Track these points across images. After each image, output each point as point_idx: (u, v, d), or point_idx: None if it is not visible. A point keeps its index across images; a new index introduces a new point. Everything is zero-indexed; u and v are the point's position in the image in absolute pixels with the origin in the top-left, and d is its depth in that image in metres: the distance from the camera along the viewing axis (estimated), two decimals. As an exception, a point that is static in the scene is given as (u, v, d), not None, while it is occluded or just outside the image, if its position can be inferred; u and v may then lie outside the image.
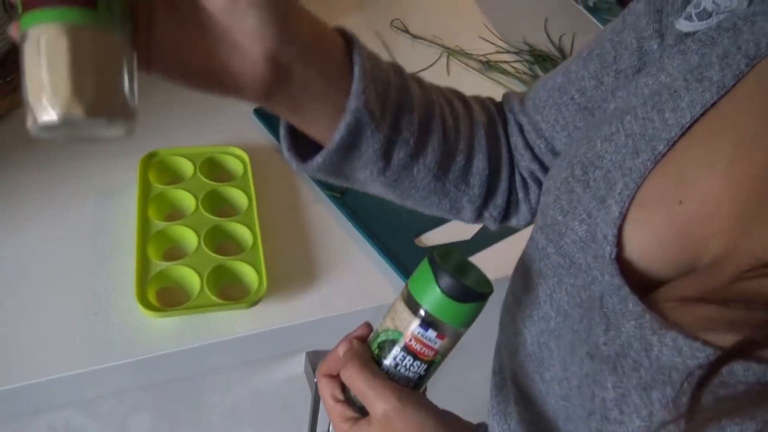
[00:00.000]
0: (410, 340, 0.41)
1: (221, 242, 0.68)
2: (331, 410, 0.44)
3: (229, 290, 0.65)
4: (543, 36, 1.13)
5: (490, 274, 0.72)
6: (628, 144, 0.38)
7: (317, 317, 0.65)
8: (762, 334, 0.30)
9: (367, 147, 0.44)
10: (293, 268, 0.69)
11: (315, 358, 0.75)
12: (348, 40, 0.43)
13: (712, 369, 0.30)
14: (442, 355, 0.42)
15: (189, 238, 0.67)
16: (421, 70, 0.99)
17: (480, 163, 0.51)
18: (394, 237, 0.73)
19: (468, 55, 1.05)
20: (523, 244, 0.78)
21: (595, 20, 1.20)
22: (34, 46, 0.31)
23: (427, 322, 0.41)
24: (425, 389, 0.46)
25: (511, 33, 1.11)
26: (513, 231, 0.77)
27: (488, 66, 1.03)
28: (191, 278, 0.64)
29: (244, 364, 0.72)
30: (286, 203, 0.76)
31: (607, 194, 0.38)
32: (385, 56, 0.98)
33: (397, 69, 0.47)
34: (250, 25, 0.35)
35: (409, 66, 1.05)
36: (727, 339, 0.30)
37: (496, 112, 0.54)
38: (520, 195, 0.55)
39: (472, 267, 0.44)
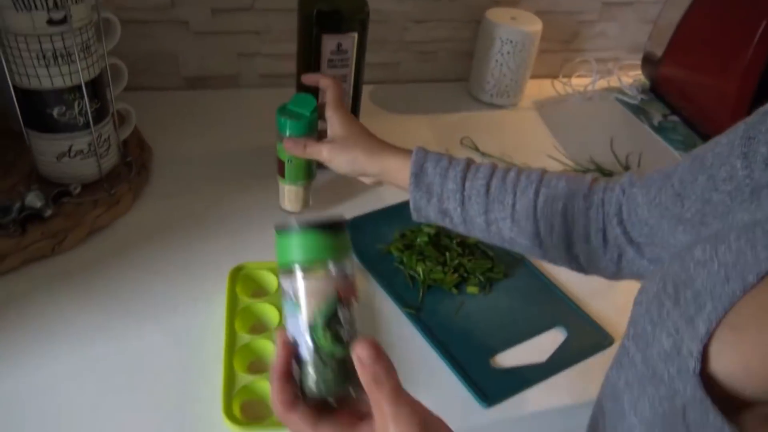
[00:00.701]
0: (344, 292, 0.45)
1: (302, 357, 0.71)
2: None
3: (308, 406, 0.67)
4: (610, 155, 1.15)
5: (567, 399, 0.72)
6: (720, 272, 0.41)
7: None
8: None
9: (433, 175, 0.69)
10: (370, 386, 0.70)
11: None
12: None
13: None
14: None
15: (272, 352, 0.70)
16: (492, 187, 1.03)
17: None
18: (469, 357, 0.74)
19: (537, 173, 1.08)
20: (599, 370, 0.77)
21: (661, 139, 1.23)
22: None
23: (339, 265, 0.45)
24: None
25: (578, 152, 1.15)
26: (587, 356, 0.77)
27: (557, 184, 1.06)
28: (274, 393, 0.66)
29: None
30: (364, 317, 0.78)
31: (696, 314, 0.41)
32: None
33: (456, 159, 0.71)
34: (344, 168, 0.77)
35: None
36: None
37: (595, 186, 0.67)
38: (599, 249, 0.66)
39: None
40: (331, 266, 0.44)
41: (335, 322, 0.45)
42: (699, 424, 0.37)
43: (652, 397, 0.43)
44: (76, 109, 0.79)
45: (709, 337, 0.39)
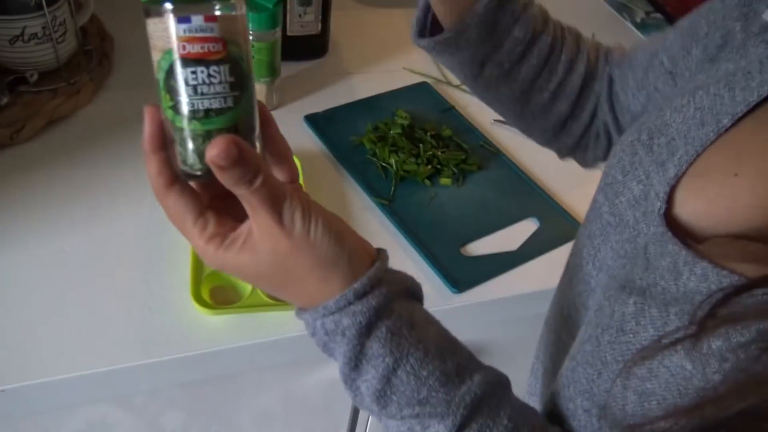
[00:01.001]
0: (183, 49, 0.34)
1: (272, 244, 0.70)
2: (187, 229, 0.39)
3: (279, 291, 0.67)
4: (590, 51, 1.12)
5: (537, 285, 0.73)
6: (696, 116, 0.40)
7: (364, 321, 0.66)
8: None
9: (469, 47, 0.55)
10: (341, 273, 0.70)
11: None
12: None
13: (735, 291, 0.32)
14: (236, 43, 0.35)
15: (241, 239, 0.69)
16: (468, 83, 1.00)
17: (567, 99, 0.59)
18: (440, 245, 0.74)
19: (515, 69, 1.05)
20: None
21: (643, 36, 1.20)
22: None
23: (181, 14, 0.33)
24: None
25: (558, 48, 1.12)
26: (559, 244, 0.77)
27: (535, 80, 1.04)
28: (243, 278, 0.65)
29: (287, 366, 0.74)
30: (336, 209, 0.77)
31: (667, 159, 0.40)
32: (432, 67, 0.99)
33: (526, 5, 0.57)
34: None
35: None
36: (759, 271, 0.32)
37: (596, 60, 0.60)
38: (590, 142, 0.62)
39: None
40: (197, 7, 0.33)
41: (173, 83, 0.35)
42: (658, 255, 0.37)
43: (615, 242, 0.42)
44: (27, -12, 0.74)
45: (677, 181, 0.39)
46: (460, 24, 0.54)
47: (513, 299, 0.72)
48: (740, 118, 0.38)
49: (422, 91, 0.96)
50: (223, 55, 0.34)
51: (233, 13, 0.35)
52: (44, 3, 0.76)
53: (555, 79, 0.58)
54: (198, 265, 0.66)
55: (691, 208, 0.38)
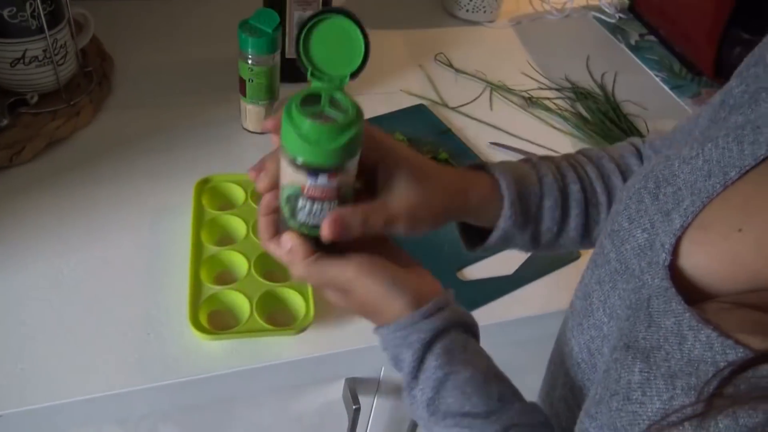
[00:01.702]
0: (307, 191, 0.42)
1: (269, 268, 0.70)
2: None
3: (276, 315, 0.67)
4: (585, 74, 1.14)
5: (532, 310, 0.73)
6: (704, 168, 0.41)
7: (361, 346, 0.67)
8: None
9: (517, 241, 0.56)
10: (338, 297, 0.71)
11: (354, 385, 0.76)
12: (490, 172, 0.54)
13: (742, 366, 0.32)
14: (348, 184, 0.43)
15: (239, 263, 0.70)
16: (465, 104, 1.01)
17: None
18: (437, 270, 0.74)
19: (510, 91, 1.06)
20: (565, 282, 0.79)
21: (637, 59, 1.21)
22: None
23: (312, 171, 0.40)
24: None
25: (553, 70, 1.13)
26: (554, 269, 0.78)
27: (530, 102, 1.05)
28: (241, 303, 0.66)
29: (282, 388, 0.74)
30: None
31: (672, 209, 0.41)
32: (429, 89, 1.00)
33: (539, 173, 0.55)
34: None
35: (453, 99, 1.06)
36: (765, 343, 0.32)
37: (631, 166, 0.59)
38: None
39: (340, 97, 0.42)
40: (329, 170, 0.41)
41: (294, 205, 0.43)
42: (662, 312, 0.37)
43: (623, 290, 0.43)
44: (28, 11, 0.75)
45: (683, 232, 0.39)
46: (497, 230, 0.53)
47: (508, 324, 0.73)
48: (746, 172, 0.38)
49: (419, 113, 0.97)
50: (336, 196, 0.43)
51: (354, 159, 0.42)
52: (45, 26, 0.77)
53: (603, 209, 0.57)
54: (196, 290, 0.66)
55: (695, 261, 0.38)
